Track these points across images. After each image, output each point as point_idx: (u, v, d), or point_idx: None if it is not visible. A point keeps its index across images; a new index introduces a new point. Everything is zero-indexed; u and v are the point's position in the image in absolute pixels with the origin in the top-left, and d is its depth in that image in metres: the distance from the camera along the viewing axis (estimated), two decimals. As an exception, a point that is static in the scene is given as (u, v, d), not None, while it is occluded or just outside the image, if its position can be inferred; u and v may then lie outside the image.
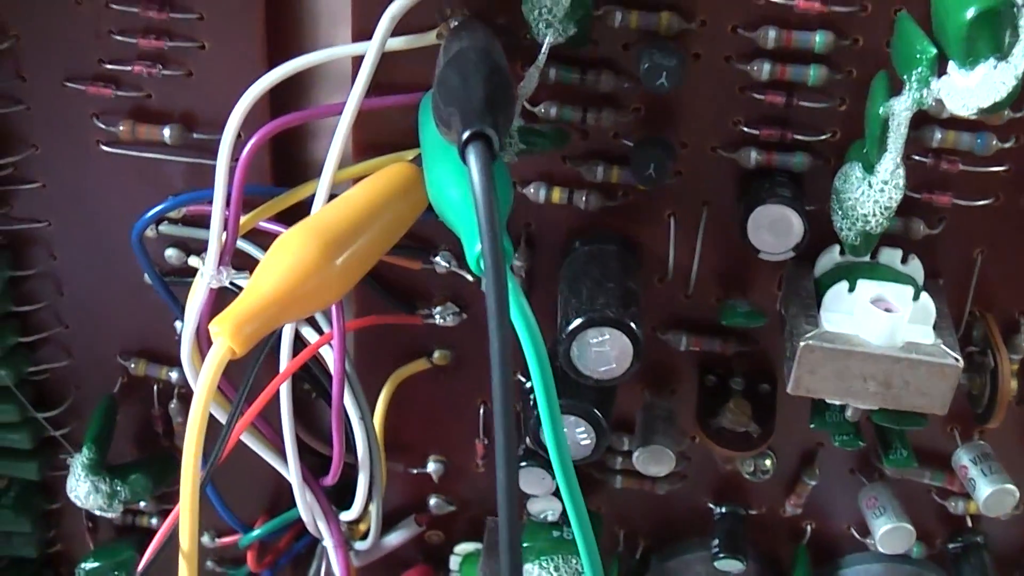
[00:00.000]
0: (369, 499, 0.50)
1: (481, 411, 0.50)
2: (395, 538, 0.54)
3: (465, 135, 0.33)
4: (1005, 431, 0.48)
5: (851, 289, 0.42)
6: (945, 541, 0.52)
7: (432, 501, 0.53)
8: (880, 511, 0.49)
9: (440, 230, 0.41)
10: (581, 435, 0.44)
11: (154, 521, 0.56)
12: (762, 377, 0.48)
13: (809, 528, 0.52)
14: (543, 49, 0.39)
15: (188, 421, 0.35)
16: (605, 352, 0.41)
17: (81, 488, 0.50)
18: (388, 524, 0.54)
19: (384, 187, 0.40)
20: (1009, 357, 0.45)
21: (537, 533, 0.50)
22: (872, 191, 0.40)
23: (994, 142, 0.42)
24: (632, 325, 0.41)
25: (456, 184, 0.36)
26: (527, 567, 0.49)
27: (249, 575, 0.54)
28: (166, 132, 0.45)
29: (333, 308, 0.44)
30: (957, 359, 0.41)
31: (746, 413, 0.47)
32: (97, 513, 0.52)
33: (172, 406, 0.52)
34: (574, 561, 0.49)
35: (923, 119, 0.42)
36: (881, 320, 0.41)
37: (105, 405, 0.52)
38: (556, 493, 0.49)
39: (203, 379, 0.35)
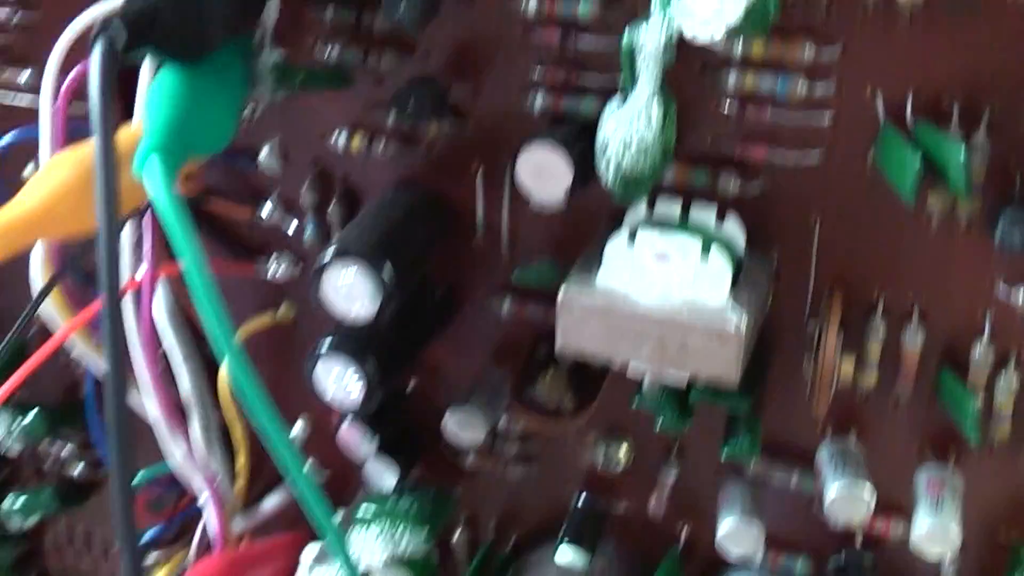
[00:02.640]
0: (208, 440, 0.49)
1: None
2: (271, 502, 0.53)
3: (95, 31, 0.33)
4: (885, 432, 0.42)
5: (631, 241, 0.38)
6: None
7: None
8: (729, 509, 0.44)
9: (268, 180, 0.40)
10: (351, 383, 0.42)
11: (78, 470, 0.58)
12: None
13: (684, 531, 0.47)
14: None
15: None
16: (353, 290, 0.39)
17: (-22, 422, 0.52)
18: (267, 489, 0.53)
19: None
20: (870, 341, 0.40)
21: (379, 503, 0.48)
22: (619, 125, 0.36)
23: (800, 86, 0.37)
24: (374, 259, 0.38)
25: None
26: (357, 532, 0.47)
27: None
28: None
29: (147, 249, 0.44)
30: (738, 325, 0.36)
31: (560, 387, 0.43)
32: (-2, 449, 0.54)
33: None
34: (398, 530, 0.47)
35: (721, 61, 0.38)
36: (652, 274, 0.37)
37: (13, 346, 0.53)
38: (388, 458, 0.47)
39: None
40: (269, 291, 0.48)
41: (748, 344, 0.37)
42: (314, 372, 0.42)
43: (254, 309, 0.48)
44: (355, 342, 0.42)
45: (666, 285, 0.37)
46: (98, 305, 0.45)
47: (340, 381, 0.42)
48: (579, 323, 0.38)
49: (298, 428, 0.51)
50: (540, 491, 0.49)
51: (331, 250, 0.39)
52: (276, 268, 0.46)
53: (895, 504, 0.42)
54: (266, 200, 0.46)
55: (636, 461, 0.46)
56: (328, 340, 0.42)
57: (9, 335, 0.44)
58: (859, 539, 0.44)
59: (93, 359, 0.49)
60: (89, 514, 0.60)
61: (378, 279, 0.39)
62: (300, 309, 0.48)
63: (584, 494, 0.48)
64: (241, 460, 0.51)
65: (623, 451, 0.46)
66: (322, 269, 0.39)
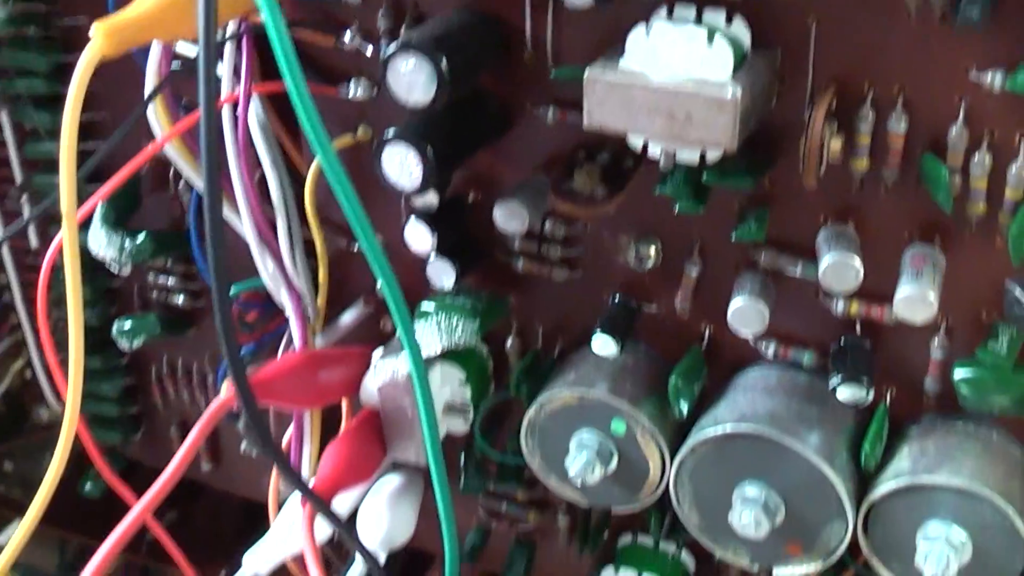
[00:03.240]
0: (292, 253, 0.56)
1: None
2: (348, 318, 0.60)
3: None
4: (877, 218, 0.48)
5: (648, 31, 0.44)
6: (838, 349, 0.51)
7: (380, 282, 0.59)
8: (739, 293, 0.50)
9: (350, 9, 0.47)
10: (411, 167, 0.49)
11: (180, 300, 0.66)
12: (630, 155, 0.50)
13: (708, 331, 0.53)
14: None
15: (64, 117, 0.43)
16: (413, 77, 0.46)
17: (97, 239, 0.60)
18: (342, 307, 0.60)
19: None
20: (860, 130, 0.46)
21: (439, 300, 0.55)
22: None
23: None
24: (432, 51, 0.45)
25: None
26: (417, 325, 0.54)
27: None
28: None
29: (243, 71, 0.52)
30: (735, 95, 0.42)
31: (593, 178, 0.49)
32: (113, 269, 0.62)
33: (181, 186, 0.62)
34: (455, 320, 0.54)
35: None
36: (665, 58, 0.44)
37: (130, 179, 0.62)
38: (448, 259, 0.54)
39: (76, 76, 0.43)
40: (350, 113, 0.55)
41: (745, 117, 0.43)
42: (381, 157, 0.49)
43: (337, 131, 0.55)
44: (416, 132, 0.49)
45: (676, 67, 0.44)
46: (195, 116, 0.53)
47: (403, 165, 0.49)
48: (602, 100, 0.44)
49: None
50: (582, 297, 0.55)
51: (396, 43, 0.46)
52: (355, 90, 0.54)
53: (889, 292, 0.47)
54: (347, 28, 0.53)
55: (664, 262, 0.52)
56: (393, 129, 0.49)
57: (120, 130, 0.52)
58: (858, 326, 0.50)
59: (191, 174, 0.56)
60: (189, 346, 0.68)
61: (434, 68, 0.46)
62: (375, 131, 0.55)
63: (618, 295, 0.54)
64: (322, 274, 0.58)
65: (652, 250, 0.52)
66: (388, 59, 0.46)
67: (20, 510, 0.80)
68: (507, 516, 0.63)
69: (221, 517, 0.78)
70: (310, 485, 0.51)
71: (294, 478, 0.52)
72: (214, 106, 0.39)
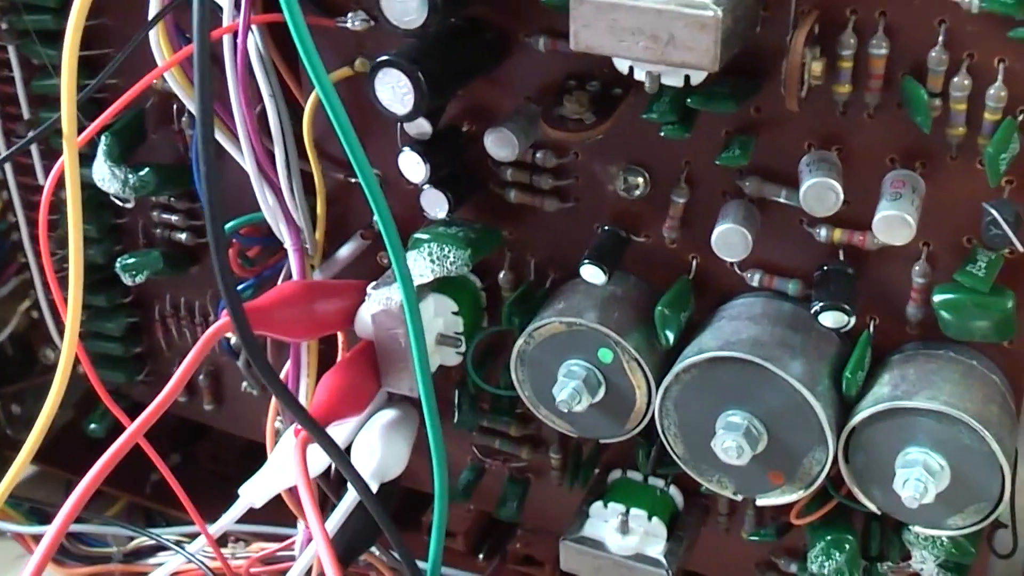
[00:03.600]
0: (289, 175, 0.57)
1: (398, 124, 0.56)
2: (345, 251, 0.61)
3: None
4: (860, 145, 0.49)
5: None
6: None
7: (376, 217, 0.60)
8: (724, 217, 0.50)
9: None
10: (404, 92, 0.50)
11: (183, 236, 0.67)
12: (619, 84, 0.51)
13: (694, 262, 0.54)
14: None
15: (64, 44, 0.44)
16: (406, 3, 0.47)
17: (101, 172, 0.61)
18: (341, 242, 0.61)
19: None
20: (843, 54, 0.46)
21: (432, 229, 0.56)
22: None
23: None
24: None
25: None
26: (410, 254, 0.55)
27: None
28: None
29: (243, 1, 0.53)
30: (716, 15, 0.43)
31: (582, 104, 0.50)
32: (117, 203, 0.63)
33: (184, 120, 0.63)
34: (447, 249, 0.55)
35: None
36: (650, -18, 0.44)
37: (134, 114, 0.63)
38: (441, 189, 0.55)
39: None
40: (348, 46, 0.56)
41: (727, 38, 0.43)
42: (374, 81, 0.50)
43: (335, 63, 0.56)
44: (408, 57, 0.50)
45: (661, -9, 0.44)
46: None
47: (395, 90, 0.50)
48: (588, 22, 0.45)
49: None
50: (573, 229, 0.56)
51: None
52: (353, 21, 0.54)
53: (871, 219, 0.48)
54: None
55: (653, 192, 0.53)
56: (386, 54, 0.50)
57: (119, 55, 0.53)
58: (841, 254, 0.51)
59: (191, 104, 0.57)
60: (192, 285, 0.69)
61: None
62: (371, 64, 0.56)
63: (608, 226, 0.55)
64: (320, 207, 0.60)
65: (641, 180, 0.53)
66: (382, -15, 0.47)
67: (29, 452, 0.82)
68: (500, 453, 0.64)
69: (223, 460, 0.79)
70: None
71: (288, 399, 0.53)
72: (207, 30, 0.41)
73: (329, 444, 0.49)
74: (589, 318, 0.53)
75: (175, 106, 0.63)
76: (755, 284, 0.53)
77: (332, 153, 0.59)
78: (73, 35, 0.45)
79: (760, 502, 0.54)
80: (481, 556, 0.72)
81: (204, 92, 0.42)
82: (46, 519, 0.77)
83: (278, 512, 0.65)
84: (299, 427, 0.51)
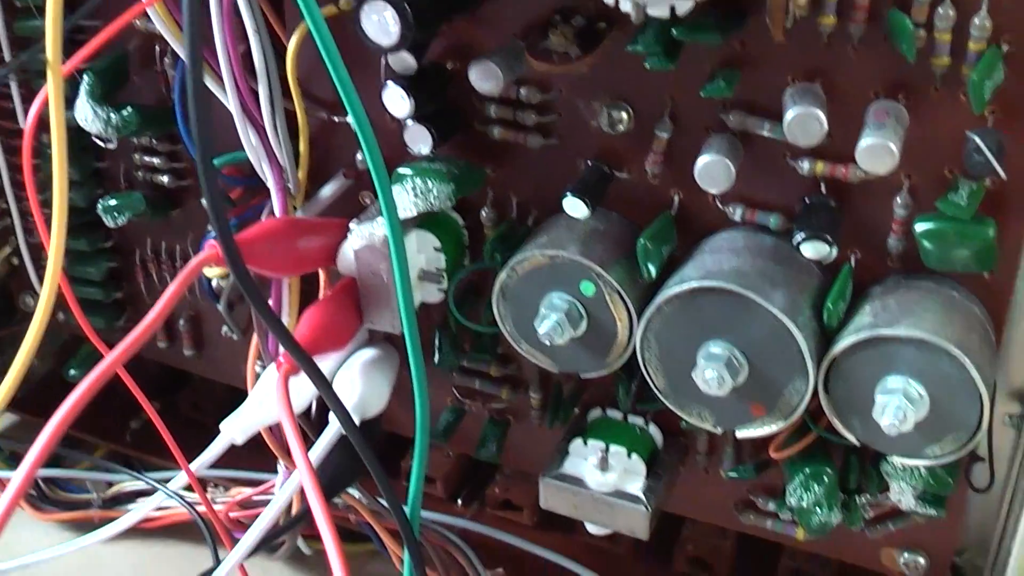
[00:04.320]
0: (273, 114, 0.57)
1: (383, 61, 0.56)
2: (328, 190, 0.61)
3: None
4: (844, 77, 0.49)
5: None
6: (804, 211, 0.52)
7: (359, 156, 0.60)
8: (707, 148, 0.51)
9: None
10: (390, 23, 0.50)
11: (165, 179, 0.67)
12: (604, 18, 0.51)
13: (677, 197, 0.55)
14: None
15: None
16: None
17: (84, 111, 0.61)
18: (322, 180, 0.61)
19: None
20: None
21: (415, 165, 0.56)
22: None
23: None
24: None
25: None
26: (393, 188, 0.55)
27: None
28: None
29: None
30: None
31: (567, 37, 0.50)
32: (100, 143, 0.63)
33: (167, 62, 0.63)
34: (429, 183, 0.55)
35: None
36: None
37: (116, 55, 0.63)
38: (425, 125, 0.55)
39: None
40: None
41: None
42: (360, 12, 0.50)
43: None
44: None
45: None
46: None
47: (381, 21, 0.50)
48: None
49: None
50: (556, 166, 0.56)
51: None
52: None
53: (854, 151, 0.48)
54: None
55: (636, 128, 0.53)
56: (372, -12, 0.50)
57: None
58: (823, 187, 0.51)
59: (175, 43, 0.57)
60: (173, 229, 0.69)
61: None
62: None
63: (592, 161, 0.55)
64: (303, 146, 0.60)
65: (624, 115, 0.53)
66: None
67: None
68: (480, 394, 0.64)
69: (203, 409, 0.79)
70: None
71: (275, 323, 0.53)
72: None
73: (314, 370, 0.49)
74: (572, 251, 0.53)
75: (157, 48, 0.63)
76: (737, 219, 0.53)
77: (315, 93, 0.59)
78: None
79: (740, 434, 0.54)
80: (460, 502, 0.72)
81: (193, 29, 0.41)
82: (24, 466, 0.77)
83: (256, 458, 0.66)
84: (281, 360, 0.51)
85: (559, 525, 0.68)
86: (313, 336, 0.54)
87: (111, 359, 0.46)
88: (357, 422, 0.57)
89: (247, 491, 0.69)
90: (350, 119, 0.57)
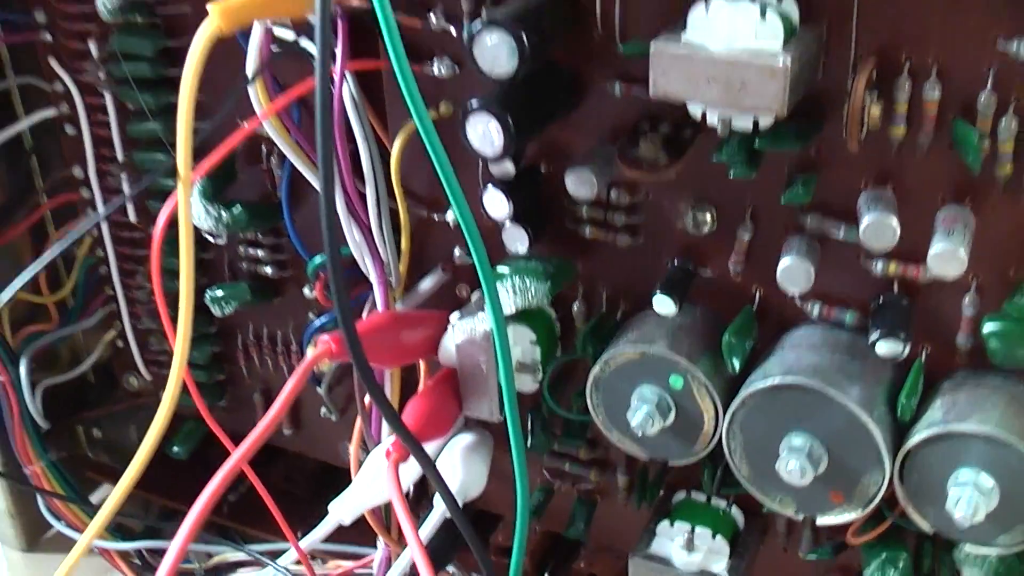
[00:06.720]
0: (379, 212, 0.62)
1: (479, 164, 0.61)
2: (426, 284, 0.65)
3: None
4: (913, 181, 0.52)
5: (707, 11, 0.49)
6: (879, 307, 0.55)
7: (456, 251, 0.64)
8: (787, 251, 0.54)
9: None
10: (494, 135, 0.54)
11: (268, 270, 0.71)
12: (688, 126, 0.55)
13: (758, 293, 0.58)
14: None
15: (180, 93, 0.48)
16: (497, 51, 0.51)
17: (196, 210, 0.66)
18: (420, 275, 0.65)
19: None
20: (898, 98, 0.50)
21: (513, 264, 0.60)
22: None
23: None
24: (514, 27, 0.51)
25: None
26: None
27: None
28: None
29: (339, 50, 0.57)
30: (785, 63, 0.47)
31: (656, 145, 0.54)
32: (209, 238, 0.68)
33: (273, 161, 0.67)
34: (528, 282, 0.59)
35: None
36: (721, 29, 0.49)
37: (228, 156, 0.67)
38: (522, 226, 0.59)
39: (193, 50, 0.49)
40: (431, 91, 0.60)
41: (794, 84, 0.47)
42: (466, 125, 0.54)
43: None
44: (498, 102, 0.54)
45: (733, 40, 0.48)
46: (291, 94, 0.58)
47: (485, 133, 0.54)
48: (666, 70, 0.49)
49: (450, 216, 0.63)
50: (643, 263, 0.60)
51: (482, 20, 0.51)
52: (439, 68, 0.59)
53: (924, 252, 0.51)
54: (432, 11, 0.58)
55: (719, 228, 0.57)
56: (477, 99, 0.54)
57: (225, 106, 0.58)
58: (895, 286, 0.54)
59: (287, 148, 0.62)
60: (274, 316, 0.73)
61: (516, 42, 0.51)
62: (455, 107, 0.60)
63: (677, 259, 0.59)
64: (404, 242, 0.64)
65: (709, 216, 0.57)
66: (475, 35, 0.51)
67: (108, 474, 0.86)
68: (569, 475, 0.67)
69: (295, 481, 0.83)
70: (393, 438, 0.55)
71: (394, 419, 0.56)
72: (328, 75, 0.45)
73: (425, 459, 0.52)
74: (661, 346, 0.57)
75: (264, 147, 0.67)
76: (815, 315, 0.57)
77: (416, 191, 0.63)
78: (192, 81, 0.49)
79: (821, 521, 0.57)
80: (546, 575, 0.75)
81: (326, 138, 0.45)
82: (128, 534, 0.81)
83: (351, 532, 0.69)
84: (390, 448, 0.55)
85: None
86: (420, 425, 0.58)
87: (237, 456, 0.50)
88: (460, 505, 0.61)
89: (346, 564, 0.72)
90: (449, 217, 0.63)
